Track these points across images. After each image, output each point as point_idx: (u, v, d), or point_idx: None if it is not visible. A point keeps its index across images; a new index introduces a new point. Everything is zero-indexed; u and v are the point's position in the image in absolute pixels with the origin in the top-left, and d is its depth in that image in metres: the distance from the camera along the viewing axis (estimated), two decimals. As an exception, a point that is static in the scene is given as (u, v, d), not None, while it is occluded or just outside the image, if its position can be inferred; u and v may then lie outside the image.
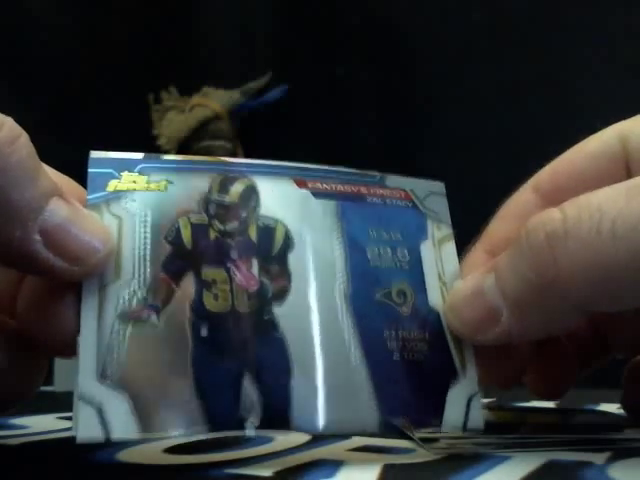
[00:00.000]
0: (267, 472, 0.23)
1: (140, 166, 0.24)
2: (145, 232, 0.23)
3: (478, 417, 0.25)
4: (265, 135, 0.65)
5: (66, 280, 0.22)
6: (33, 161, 0.21)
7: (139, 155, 0.24)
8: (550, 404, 0.39)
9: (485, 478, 0.22)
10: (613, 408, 0.37)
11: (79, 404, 0.21)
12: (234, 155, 0.63)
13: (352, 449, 0.26)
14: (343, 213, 0.26)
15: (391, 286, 0.25)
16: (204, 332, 0.23)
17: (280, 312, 0.24)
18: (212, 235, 0.24)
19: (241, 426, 0.22)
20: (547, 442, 0.27)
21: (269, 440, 0.28)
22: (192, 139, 0.64)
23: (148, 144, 0.62)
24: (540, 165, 0.29)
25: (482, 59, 0.59)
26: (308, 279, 0.24)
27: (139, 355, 0.22)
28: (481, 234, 0.29)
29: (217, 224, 0.24)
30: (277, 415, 0.23)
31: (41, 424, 0.32)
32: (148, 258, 0.23)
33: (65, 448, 0.28)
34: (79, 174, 0.24)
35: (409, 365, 0.25)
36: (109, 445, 0.27)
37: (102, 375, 0.21)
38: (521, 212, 0.28)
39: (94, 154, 0.24)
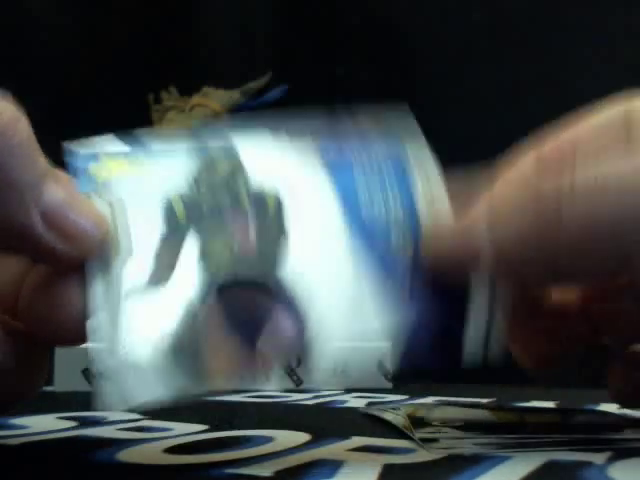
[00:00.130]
0: (267, 472, 0.23)
1: (119, 149, 0.24)
2: (138, 213, 0.23)
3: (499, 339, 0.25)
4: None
5: (67, 263, 0.22)
6: (33, 144, 0.21)
7: (115, 138, 0.24)
8: (550, 404, 0.39)
9: (485, 478, 0.22)
10: (613, 408, 0.37)
11: (100, 382, 0.21)
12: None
13: (352, 449, 0.26)
14: (328, 160, 0.26)
15: (390, 235, 0.25)
16: (211, 300, 0.23)
17: (284, 274, 0.24)
18: (205, 209, 0.24)
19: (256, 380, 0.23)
20: (547, 442, 0.27)
21: (269, 440, 0.28)
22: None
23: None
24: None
25: (482, 59, 0.59)
26: (306, 237, 0.24)
27: (150, 327, 0.22)
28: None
29: (209, 199, 0.24)
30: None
31: (41, 424, 0.32)
32: (145, 237, 0.23)
33: (65, 448, 0.28)
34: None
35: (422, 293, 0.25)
36: (109, 445, 0.27)
37: (117, 351, 0.22)
38: (524, 180, 0.27)
39: (70, 146, 0.24)
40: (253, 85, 0.65)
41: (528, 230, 0.23)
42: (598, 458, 0.24)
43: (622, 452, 0.25)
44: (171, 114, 0.64)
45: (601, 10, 0.57)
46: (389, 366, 0.48)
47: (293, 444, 0.27)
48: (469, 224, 0.25)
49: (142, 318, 0.22)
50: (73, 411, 0.35)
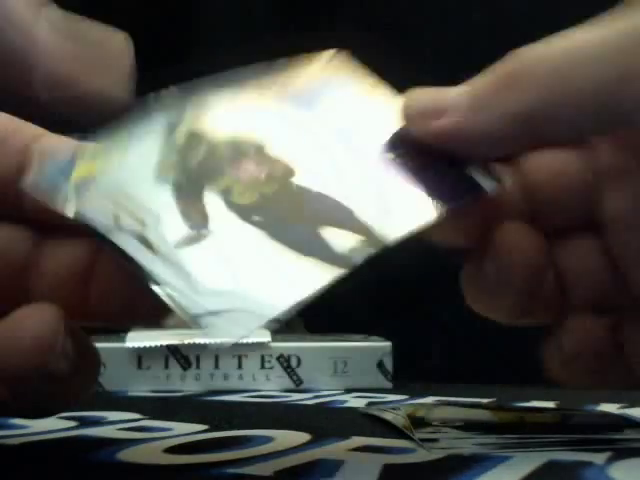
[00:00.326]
0: (267, 472, 0.23)
1: (89, 149, 0.24)
2: (138, 187, 0.23)
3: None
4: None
5: (88, 95, 0.22)
6: None
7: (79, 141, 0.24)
8: (550, 404, 0.39)
9: (485, 478, 0.22)
10: (613, 408, 0.37)
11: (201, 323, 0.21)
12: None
13: (352, 449, 0.26)
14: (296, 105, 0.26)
15: None
16: (256, 217, 0.23)
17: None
18: (194, 165, 0.24)
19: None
20: (547, 442, 0.27)
21: (269, 440, 0.28)
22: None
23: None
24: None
25: (482, 59, 0.59)
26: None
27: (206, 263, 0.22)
28: None
29: (192, 161, 0.24)
30: None
31: (41, 424, 0.31)
32: (159, 203, 0.23)
33: (65, 448, 0.28)
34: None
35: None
36: (109, 445, 0.27)
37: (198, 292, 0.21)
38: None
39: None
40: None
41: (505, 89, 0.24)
42: (598, 458, 0.24)
43: (622, 452, 0.25)
44: (171, 114, 0.64)
45: (601, 10, 0.57)
46: (389, 366, 0.49)
47: (293, 444, 0.27)
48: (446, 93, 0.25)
49: (204, 264, 0.22)
50: (73, 411, 0.35)
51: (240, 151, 0.24)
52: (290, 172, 0.24)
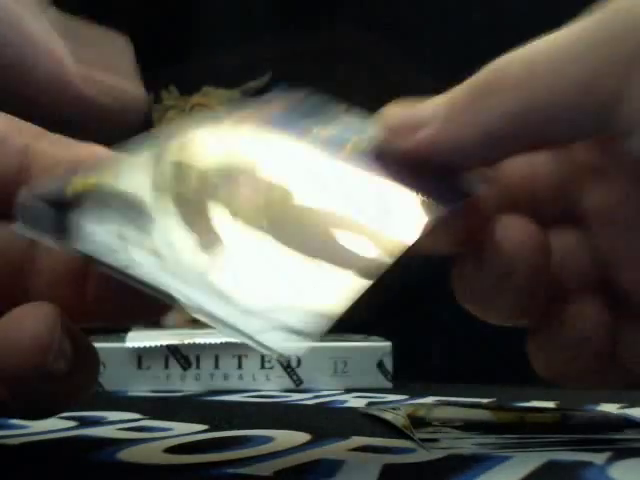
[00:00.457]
0: (267, 472, 0.23)
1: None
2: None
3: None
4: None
5: (106, 117, 0.23)
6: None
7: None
8: (550, 404, 0.39)
9: (485, 478, 0.22)
10: (613, 408, 0.37)
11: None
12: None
13: (352, 449, 0.26)
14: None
15: None
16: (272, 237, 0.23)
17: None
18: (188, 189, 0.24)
19: None
20: (547, 442, 0.27)
21: (269, 440, 0.28)
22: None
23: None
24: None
25: (482, 59, 0.59)
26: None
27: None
28: None
29: (187, 191, 0.24)
30: None
31: (41, 424, 0.31)
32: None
33: (65, 448, 0.28)
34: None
35: None
36: (109, 445, 0.27)
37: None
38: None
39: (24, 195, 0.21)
40: (253, 85, 0.65)
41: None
42: (598, 458, 0.24)
43: (622, 452, 0.25)
44: (171, 114, 0.64)
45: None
46: (389, 366, 0.49)
47: (293, 444, 0.27)
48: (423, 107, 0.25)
49: (236, 284, 0.21)
50: (73, 411, 0.35)
51: (232, 178, 0.24)
52: (288, 194, 0.24)
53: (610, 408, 0.37)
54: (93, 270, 0.23)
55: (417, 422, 0.29)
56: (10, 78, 0.22)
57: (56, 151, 0.23)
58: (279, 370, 0.48)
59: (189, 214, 0.23)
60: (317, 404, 0.41)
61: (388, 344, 0.49)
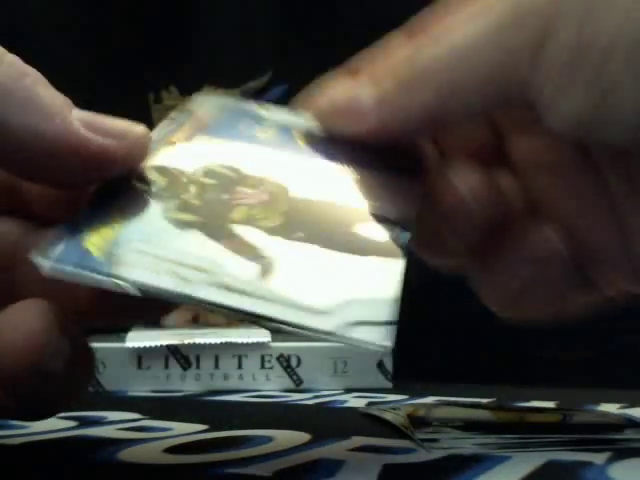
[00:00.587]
0: (267, 472, 0.23)
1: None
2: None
3: None
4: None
5: (110, 163, 0.23)
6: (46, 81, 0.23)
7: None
8: (550, 404, 0.39)
9: (485, 478, 0.22)
10: (613, 408, 0.37)
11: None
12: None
13: (352, 449, 0.26)
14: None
15: None
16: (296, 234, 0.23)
17: None
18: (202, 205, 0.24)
19: None
20: (547, 442, 0.27)
21: (269, 440, 0.28)
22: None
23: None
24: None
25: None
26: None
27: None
28: None
29: (190, 199, 0.24)
30: None
31: (41, 424, 0.31)
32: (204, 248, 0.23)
33: (65, 448, 0.28)
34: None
35: None
36: (109, 445, 0.27)
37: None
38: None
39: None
40: (253, 85, 0.65)
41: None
42: (598, 458, 0.24)
43: (622, 452, 0.25)
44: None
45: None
46: (389, 366, 0.49)
47: (293, 444, 0.27)
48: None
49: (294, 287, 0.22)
50: (73, 411, 0.35)
51: (225, 181, 0.24)
52: (283, 187, 0.25)
53: (610, 408, 0.37)
54: None
55: (417, 422, 0.29)
56: (16, 143, 0.22)
57: None
58: (279, 370, 0.48)
59: (214, 228, 0.23)
60: (317, 404, 0.41)
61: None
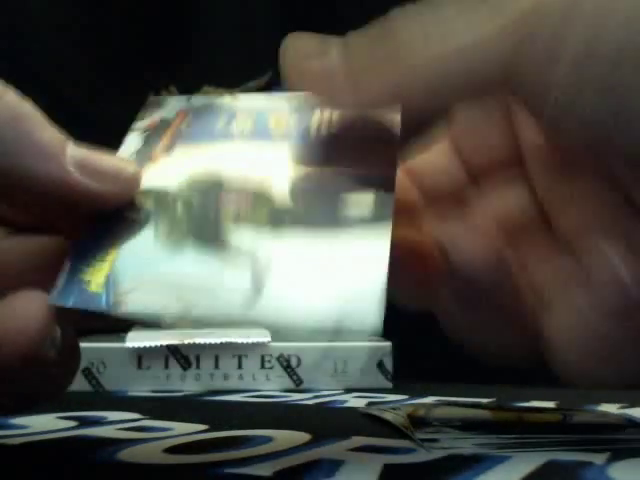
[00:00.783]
0: (267, 472, 0.23)
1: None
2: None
3: None
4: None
5: (102, 205, 0.23)
6: (42, 116, 0.23)
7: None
8: (550, 404, 0.39)
9: (485, 478, 0.22)
10: (613, 408, 0.37)
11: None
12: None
13: (352, 449, 0.26)
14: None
15: None
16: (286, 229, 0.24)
17: None
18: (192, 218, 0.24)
19: None
20: (547, 442, 0.27)
21: (269, 440, 0.28)
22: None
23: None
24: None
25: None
26: None
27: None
28: None
29: (178, 216, 0.24)
30: None
31: (41, 424, 0.32)
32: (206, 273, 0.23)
33: (65, 448, 0.28)
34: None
35: None
36: (109, 445, 0.27)
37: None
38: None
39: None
40: (253, 85, 0.65)
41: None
42: (598, 458, 0.24)
43: (622, 452, 0.25)
44: (171, 114, 0.64)
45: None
46: (389, 366, 0.49)
47: (293, 444, 0.27)
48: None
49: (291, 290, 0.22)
50: (73, 411, 0.35)
51: (209, 189, 0.25)
52: (266, 181, 0.25)
53: (610, 408, 0.37)
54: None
55: (417, 422, 0.29)
56: (10, 184, 0.22)
57: None
58: (279, 370, 0.48)
59: (205, 244, 0.23)
60: (317, 404, 0.41)
61: (388, 344, 0.49)
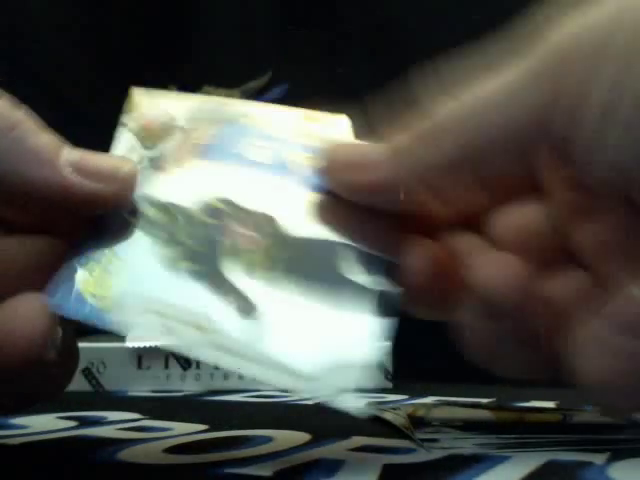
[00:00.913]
0: (267, 472, 0.23)
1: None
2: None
3: None
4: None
5: (101, 205, 0.23)
6: (38, 121, 0.23)
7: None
8: (550, 404, 0.39)
9: (485, 478, 0.22)
10: (613, 408, 0.37)
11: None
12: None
13: (352, 449, 0.26)
14: None
15: None
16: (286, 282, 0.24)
17: None
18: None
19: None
20: (547, 442, 0.27)
21: (269, 440, 0.28)
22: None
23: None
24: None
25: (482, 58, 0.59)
26: None
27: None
28: None
29: (181, 237, 0.25)
30: None
31: (41, 424, 0.32)
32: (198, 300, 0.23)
33: (65, 448, 0.28)
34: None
35: None
36: (109, 445, 0.27)
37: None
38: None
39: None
40: (253, 85, 0.65)
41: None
42: (598, 458, 0.24)
43: (622, 452, 0.25)
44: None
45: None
46: (389, 366, 0.49)
47: (293, 444, 0.27)
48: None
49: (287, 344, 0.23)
50: (73, 411, 0.35)
51: (215, 216, 0.25)
52: (270, 219, 0.25)
53: (610, 408, 0.37)
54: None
55: (417, 422, 0.29)
56: (7, 190, 0.23)
57: None
58: (279, 370, 0.48)
59: (204, 270, 0.23)
60: (317, 404, 0.41)
61: (388, 344, 0.49)
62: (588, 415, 0.34)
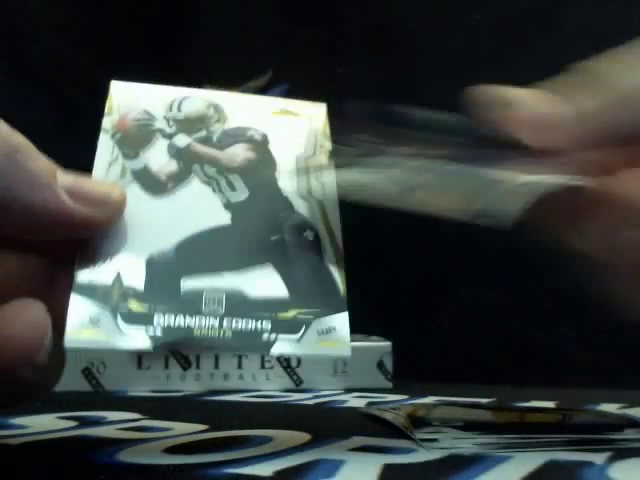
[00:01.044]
0: (267, 472, 0.23)
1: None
2: None
3: None
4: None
5: (91, 230, 0.24)
6: (33, 146, 0.23)
7: None
8: (550, 404, 0.39)
9: (485, 478, 0.22)
10: (613, 408, 0.37)
11: None
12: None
13: (352, 449, 0.26)
14: None
15: None
16: None
17: None
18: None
19: None
20: (547, 442, 0.27)
21: (269, 440, 0.28)
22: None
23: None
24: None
25: (482, 59, 0.59)
26: None
27: None
28: None
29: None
30: None
31: (41, 424, 0.32)
32: None
33: (65, 448, 0.28)
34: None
35: None
36: (109, 445, 0.27)
37: None
38: None
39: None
40: (253, 85, 0.65)
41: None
42: (598, 458, 0.24)
43: (622, 452, 0.25)
44: (171, 114, 0.64)
45: (601, 10, 0.57)
46: (389, 366, 0.49)
47: (293, 444, 0.27)
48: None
49: None
50: (73, 411, 0.35)
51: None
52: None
53: (610, 408, 0.37)
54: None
55: (417, 422, 0.29)
56: (4, 214, 0.23)
57: None
58: (279, 370, 0.48)
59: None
60: (317, 404, 0.41)
61: (388, 344, 0.49)
62: (588, 415, 0.34)
